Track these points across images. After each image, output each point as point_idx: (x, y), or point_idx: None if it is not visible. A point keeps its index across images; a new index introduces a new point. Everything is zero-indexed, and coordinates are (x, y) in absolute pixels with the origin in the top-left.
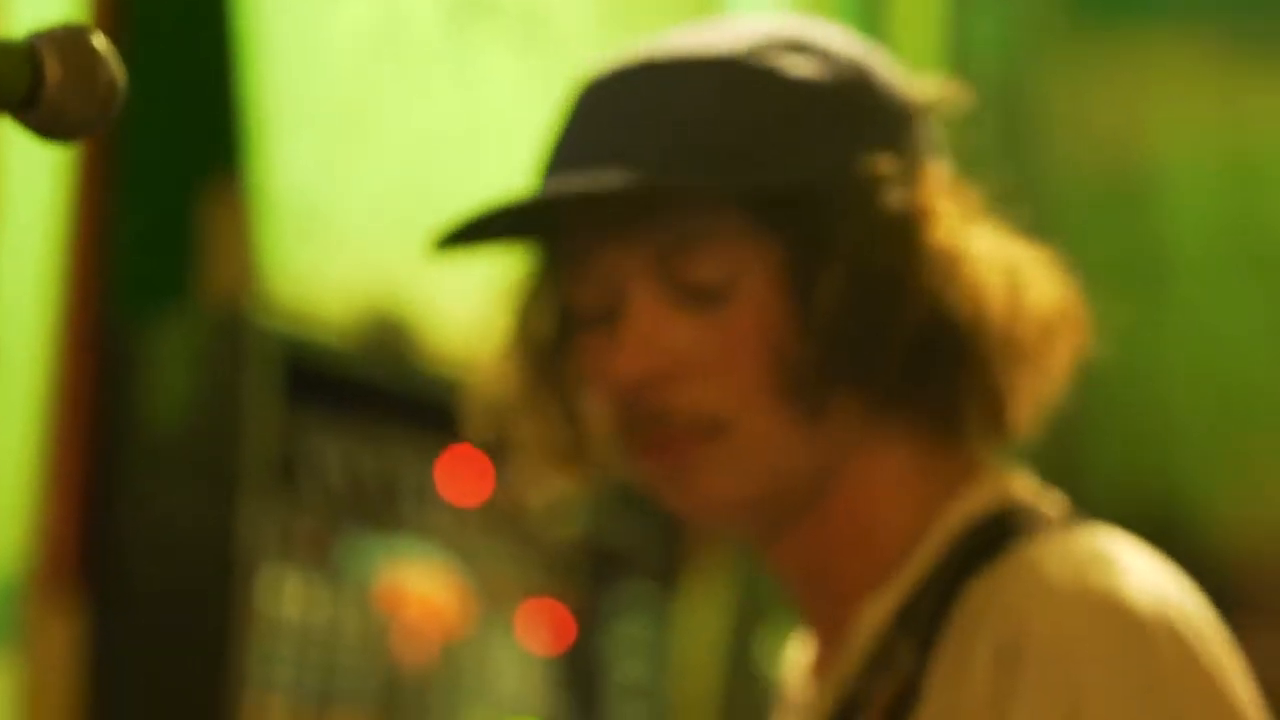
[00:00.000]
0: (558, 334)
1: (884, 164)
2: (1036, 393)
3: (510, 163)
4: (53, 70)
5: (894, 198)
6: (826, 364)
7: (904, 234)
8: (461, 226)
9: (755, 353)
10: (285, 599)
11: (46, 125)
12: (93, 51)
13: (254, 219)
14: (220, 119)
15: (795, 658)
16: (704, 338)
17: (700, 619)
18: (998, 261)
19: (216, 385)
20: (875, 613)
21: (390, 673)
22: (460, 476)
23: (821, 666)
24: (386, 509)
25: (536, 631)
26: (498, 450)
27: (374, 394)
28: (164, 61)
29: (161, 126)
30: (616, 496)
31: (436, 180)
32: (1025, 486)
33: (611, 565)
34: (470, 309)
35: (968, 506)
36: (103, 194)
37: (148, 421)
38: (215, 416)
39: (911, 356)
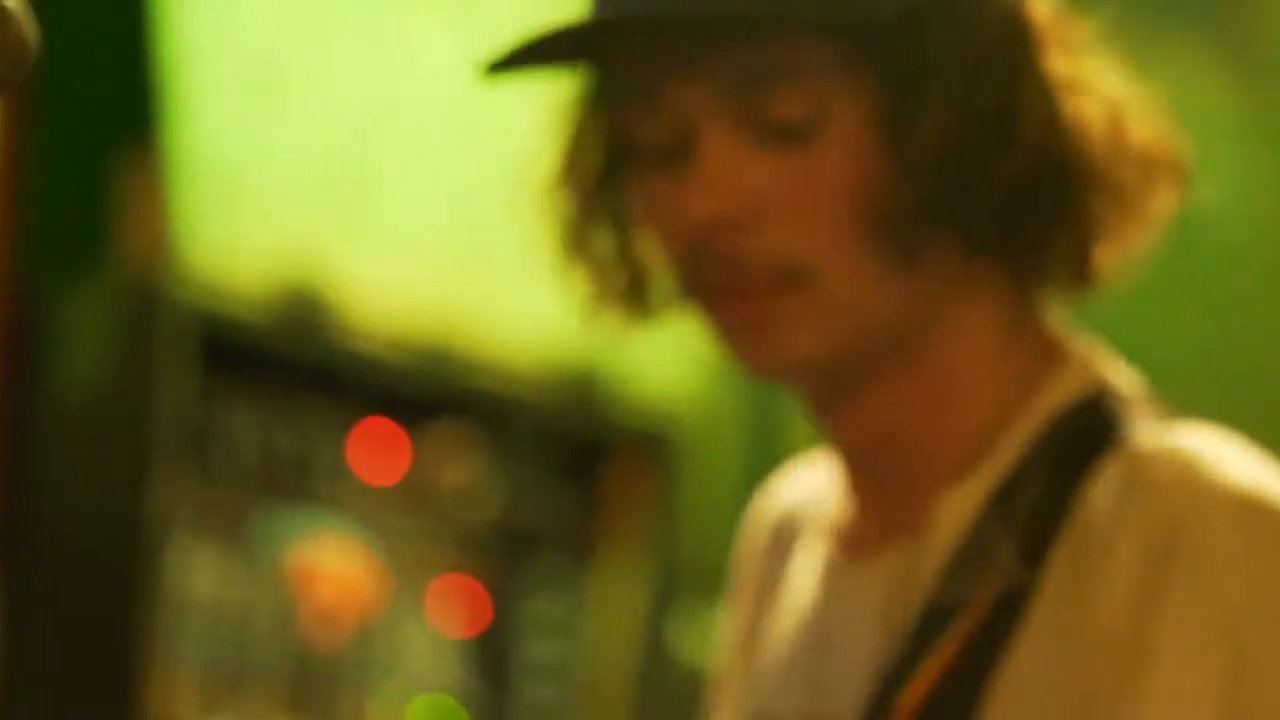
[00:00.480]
0: (612, 167)
1: None
2: (1129, 240)
3: (431, 130)
4: None
5: (1001, 27)
6: (924, 208)
7: (1013, 67)
8: (516, 51)
9: (844, 195)
10: (197, 573)
11: None
12: (6, 5)
13: (170, 187)
14: (136, 84)
15: (808, 516)
16: (786, 178)
17: (614, 598)
18: (1102, 95)
19: (130, 355)
20: (962, 502)
21: (302, 650)
22: (375, 452)
23: (867, 549)
24: (300, 484)
25: (449, 609)
26: (413, 426)
27: (289, 368)
28: (79, 24)
29: (76, 91)
30: (530, 474)
31: (355, 149)
32: (1111, 366)
33: (525, 543)
34: (388, 282)
35: (1062, 389)
36: (16, 160)
37: (60, 391)
38: (128, 387)
39: (1011, 199)
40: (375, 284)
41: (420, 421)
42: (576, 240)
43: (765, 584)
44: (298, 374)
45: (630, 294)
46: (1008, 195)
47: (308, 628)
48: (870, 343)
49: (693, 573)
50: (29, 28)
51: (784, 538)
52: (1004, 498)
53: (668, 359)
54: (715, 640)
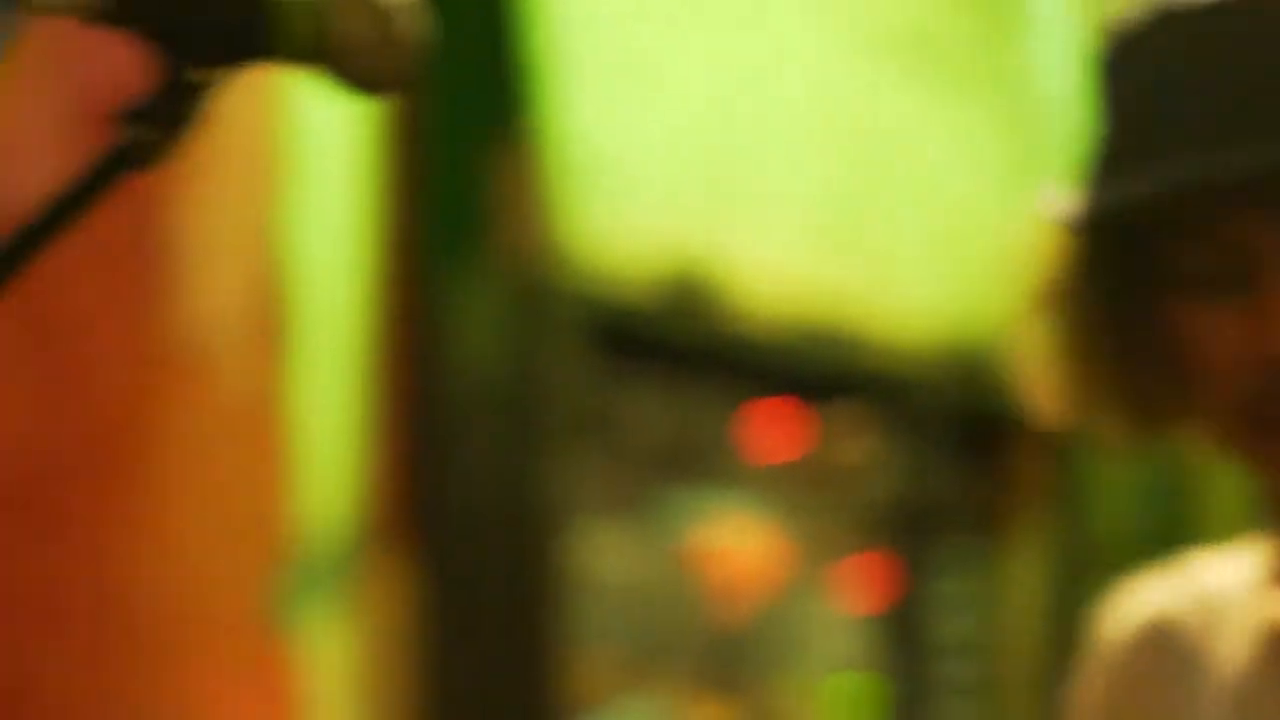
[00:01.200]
0: (1130, 287)
1: None
2: None
3: (805, 110)
4: (354, 22)
5: None
6: None
7: None
8: (1092, 215)
9: None
10: (602, 554)
11: (350, 78)
12: (393, 4)
13: (545, 174)
14: (507, 74)
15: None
16: None
17: (1021, 575)
18: None
19: (521, 342)
20: None
21: (710, 629)
22: (770, 432)
23: None
24: (700, 465)
25: (856, 588)
26: (806, 406)
27: (679, 351)
28: (449, 17)
29: (448, 83)
30: (926, 453)
31: (730, 131)
32: None
33: (926, 521)
34: (773, 264)
35: None
36: (404, 152)
37: (458, 379)
38: (523, 373)
39: None
40: (759, 266)
41: (812, 401)
42: (1084, 357)
43: (1131, 689)
44: (687, 357)
45: (1145, 417)
46: None
47: (714, 607)
48: None
49: (1097, 548)
50: (419, 21)
51: (1163, 644)
52: None
53: None
54: None
